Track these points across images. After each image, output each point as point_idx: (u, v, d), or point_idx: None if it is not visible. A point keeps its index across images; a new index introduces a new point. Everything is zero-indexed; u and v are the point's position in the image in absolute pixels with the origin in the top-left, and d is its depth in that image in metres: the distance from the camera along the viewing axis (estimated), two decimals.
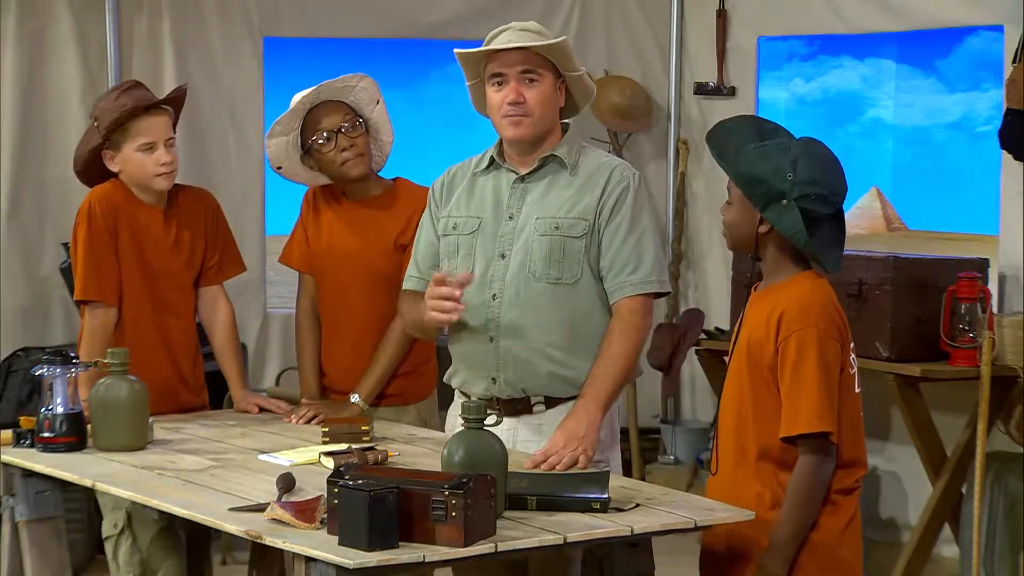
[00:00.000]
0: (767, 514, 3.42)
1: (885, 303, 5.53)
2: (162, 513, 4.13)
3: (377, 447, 3.84)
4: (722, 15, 6.95)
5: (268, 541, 3.10)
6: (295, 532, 3.10)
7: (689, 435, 6.93)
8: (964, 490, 5.64)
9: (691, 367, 6.81)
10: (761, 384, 3.46)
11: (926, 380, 5.54)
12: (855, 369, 3.50)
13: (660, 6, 7.08)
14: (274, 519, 3.16)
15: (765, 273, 3.56)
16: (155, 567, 4.27)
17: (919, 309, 5.55)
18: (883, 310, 5.53)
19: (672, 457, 6.94)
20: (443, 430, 4.20)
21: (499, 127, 3.91)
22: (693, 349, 6.48)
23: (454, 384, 4.01)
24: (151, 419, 4.02)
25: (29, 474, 3.92)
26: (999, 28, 5.95)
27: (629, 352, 3.83)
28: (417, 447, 4.01)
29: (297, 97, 4.44)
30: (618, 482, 3.54)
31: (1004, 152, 5.83)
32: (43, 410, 3.93)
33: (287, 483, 3.42)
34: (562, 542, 3.12)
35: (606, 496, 3.27)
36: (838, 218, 3.50)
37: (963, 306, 5.47)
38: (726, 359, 3.66)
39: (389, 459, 3.75)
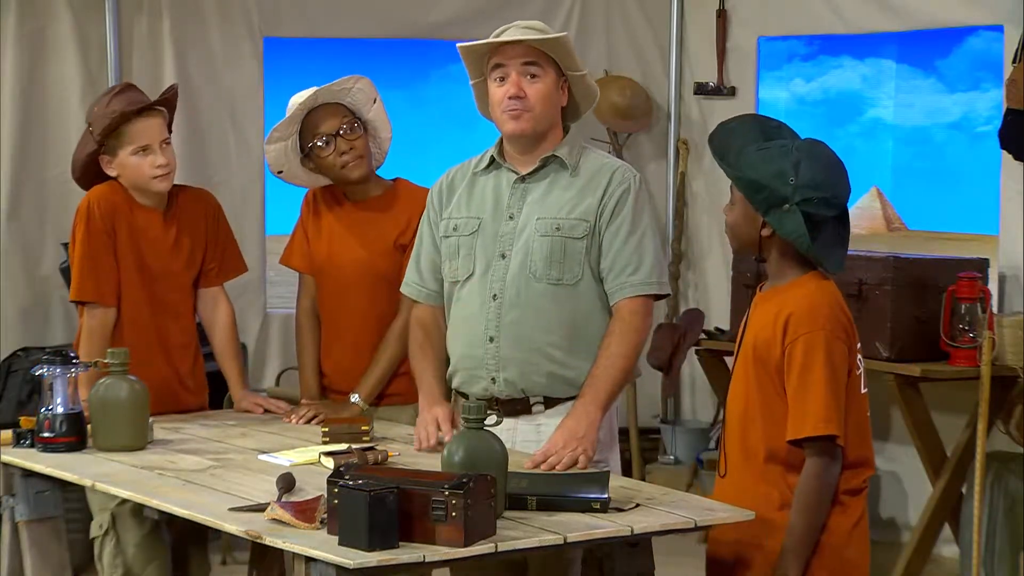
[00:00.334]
0: (775, 515, 3.42)
1: (885, 303, 5.53)
2: (148, 515, 4.16)
3: (377, 447, 3.84)
4: (722, 15, 6.95)
5: (268, 541, 3.10)
6: (295, 532, 3.10)
7: (689, 435, 6.93)
8: (964, 490, 5.64)
9: (691, 367, 6.81)
10: (768, 386, 3.45)
11: (926, 380, 5.53)
12: (861, 370, 3.50)
13: (660, 6, 7.08)
14: (274, 519, 3.16)
15: (770, 274, 3.55)
16: (138, 570, 4.26)
17: (919, 309, 5.55)
18: (883, 310, 5.52)
19: (672, 457, 6.94)
20: None
21: (499, 122, 3.91)
22: (693, 349, 6.48)
23: (453, 384, 4.01)
24: (151, 419, 4.02)
25: (29, 474, 3.92)
26: (999, 28, 5.95)
27: (629, 353, 3.83)
28: None
29: (294, 101, 4.43)
30: (618, 482, 3.54)
31: (1004, 152, 5.83)
32: (43, 410, 3.93)
33: (287, 483, 3.42)
34: (562, 542, 3.12)
35: (606, 496, 3.27)
36: (842, 219, 3.48)
37: (963, 306, 5.47)
38: (729, 360, 3.65)
39: (389, 459, 3.75)
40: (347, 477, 3.04)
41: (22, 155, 6.25)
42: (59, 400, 3.92)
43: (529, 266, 3.87)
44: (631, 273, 3.86)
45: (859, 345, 3.51)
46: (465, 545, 2.99)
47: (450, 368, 4.01)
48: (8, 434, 4.00)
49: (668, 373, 6.50)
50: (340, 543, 2.98)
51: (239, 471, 3.70)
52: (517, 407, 3.90)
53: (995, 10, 5.93)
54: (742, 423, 3.52)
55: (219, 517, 3.27)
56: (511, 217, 3.93)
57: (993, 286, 5.74)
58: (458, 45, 3.93)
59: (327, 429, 4.03)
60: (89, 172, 4.42)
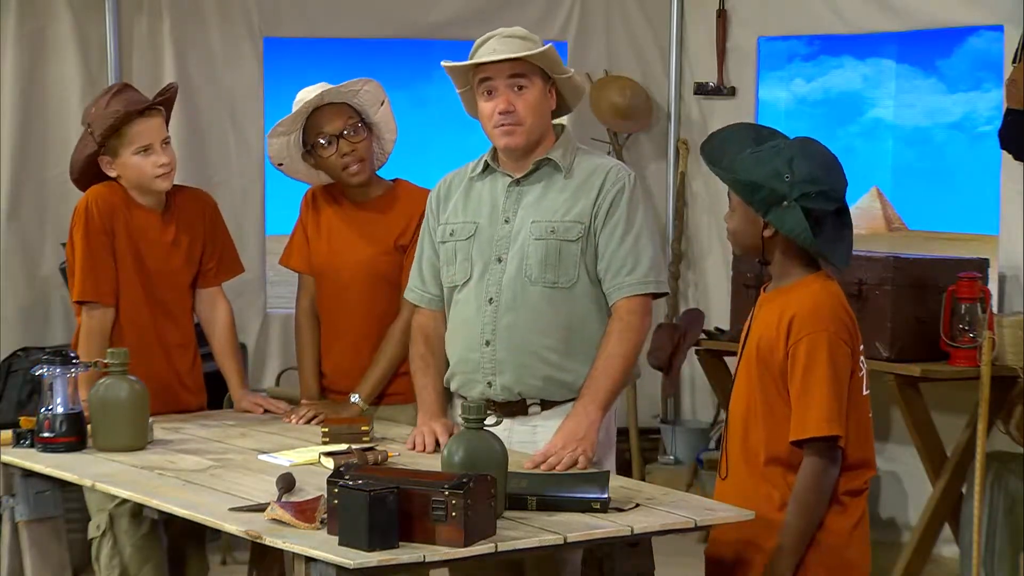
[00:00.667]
0: (776, 515, 3.42)
1: (885, 303, 5.52)
2: (147, 515, 4.15)
3: (377, 447, 3.84)
4: (722, 15, 6.95)
5: (268, 541, 3.10)
6: (295, 532, 3.10)
7: (689, 435, 6.93)
8: (964, 490, 5.64)
9: (691, 367, 6.81)
10: (771, 387, 3.45)
11: (926, 380, 5.53)
12: (864, 372, 3.50)
13: (660, 6, 7.08)
14: (274, 519, 3.16)
15: (774, 276, 3.55)
16: (135, 571, 4.26)
17: (919, 309, 5.55)
18: (883, 310, 5.52)
19: (672, 457, 6.93)
20: None
21: (491, 136, 3.92)
22: (693, 349, 6.48)
23: (452, 387, 4.02)
24: (151, 419, 4.02)
25: (29, 474, 3.92)
26: (999, 28, 5.95)
27: (627, 352, 3.83)
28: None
29: (301, 96, 4.43)
30: (618, 482, 3.54)
31: (1004, 152, 5.83)
32: (43, 410, 3.93)
33: (287, 483, 3.42)
34: (562, 542, 3.12)
35: (606, 496, 3.27)
36: (842, 214, 3.48)
37: (963, 306, 5.47)
38: (729, 360, 3.65)
39: (389, 459, 3.75)
40: (347, 477, 3.04)
41: (22, 155, 6.25)
42: (59, 400, 3.92)
43: (525, 270, 3.86)
44: (628, 273, 3.86)
45: (862, 347, 3.51)
46: (465, 545, 2.99)
47: (448, 371, 4.01)
48: (8, 434, 4.00)
49: (668, 373, 6.50)
50: (340, 543, 2.98)
51: (239, 471, 3.70)
52: (513, 409, 3.90)
53: (995, 10, 5.93)
54: (744, 424, 3.51)
55: (219, 517, 3.27)
56: (507, 221, 3.93)
57: (993, 286, 5.74)
58: (443, 63, 3.94)
59: (327, 429, 4.03)
60: (88, 173, 4.42)
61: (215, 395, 4.72)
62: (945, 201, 6.63)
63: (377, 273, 4.43)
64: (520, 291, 3.86)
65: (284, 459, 3.79)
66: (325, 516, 3.08)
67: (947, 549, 5.92)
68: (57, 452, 3.89)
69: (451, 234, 3.99)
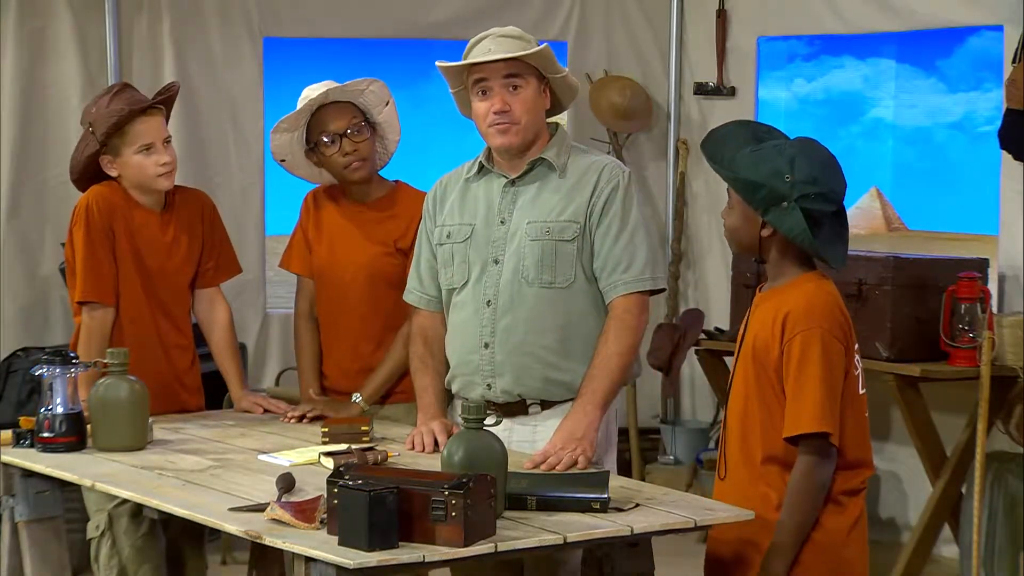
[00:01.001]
0: (773, 515, 3.42)
1: (885, 303, 5.53)
2: (147, 516, 4.15)
3: (377, 447, 3.84)
4: (722, 15, 6.95)
5: (268, 541, 3.10)
6: (295, 532, 3.10)
7: (689, 435, 6.93)
8: (964, 490, 5.64)
9: (691, 367, 6.81)
10: (767, 387, 3.45)
11: (926, 380, 5.53)
12: (859, 370, 3.50)
13: (660, 6, 7.08)
14: (274, 519, 3.16)
15: (769, 275, 3.55)
16: (132, 571, 4.26)
17: (919, 309, 5.55)
18: (883, 310, 5.52)
19: (672, 457, 6.93)
20: None
21: (486, 136, 3.92)
22: (693, 349, 6.48)
23: (453, 389, 4.02)
24: (151, 419, 4.02)
25: (29, 474, 3.92)
26: (999, 28, 5.95)
27: (625, 350, 3.82)
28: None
29: (306, 93, 4.42)
30: (618, 482, 3.54)
31: (1004, 152, 5.83)
32: (43, 410, 3.93)
33: (287, 483, 3.42)
34: (562, 542, 3.11)
35: (606, 496, 3.27)
36: (839, 215, 3.49)
37: (963, 306, 5.47)
38: (729, 360, 3.65)
39: (389, 459, 3.75)
40: (347, 477, 3.04)
41: (22, 155, 6.25)
42: (59, 400, 3.92)
43: (521, 271, 3.86)
44: (624, 271, 3.85)
45: (857, 346, 3.51)
46: (465, 545, 2.99)
47: (448, 374, 4.01)
48: (8, 434, 3.99)
49: (668, 373, 6.51)
50: (340, 543, 2.98)
51: (239, 471, 3.70)
52: (514, 409, 3.90)
53: (995, 10, 5.93)
54: (741, 424, 3.51)
55: (219, 517, 3.26)
56: (502, 222, 3.93)
57: (993, 286, 5.74)
58: (437, 63, 3.94)
59: (327, 429, 4.03)
60: (88, 173, 4.41)
61: (215, 395, 4.72)
62: (945, 201, 6.63)
63: (378, 274, 4.43)
64: (517, 292, 3.86)
65: (284, 459, 3.79)
66: (325, 516, 3.08)
67: (947, 549, 5.92)
68: (57, 452, 3.89)
69: (448, 236, 3.99)
